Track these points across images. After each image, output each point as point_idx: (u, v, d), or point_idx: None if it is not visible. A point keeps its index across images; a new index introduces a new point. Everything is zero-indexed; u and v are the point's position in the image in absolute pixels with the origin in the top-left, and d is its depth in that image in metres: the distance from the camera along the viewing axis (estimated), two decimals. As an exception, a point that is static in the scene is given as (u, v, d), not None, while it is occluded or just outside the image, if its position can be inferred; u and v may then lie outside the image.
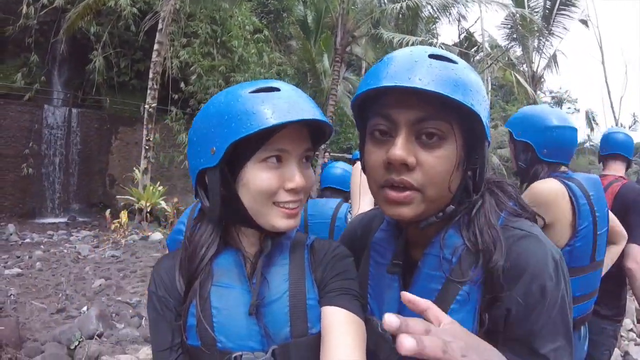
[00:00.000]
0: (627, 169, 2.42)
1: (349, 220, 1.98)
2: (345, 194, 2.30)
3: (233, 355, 0.73)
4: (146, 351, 3.30)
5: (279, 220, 0.76)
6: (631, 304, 4.87)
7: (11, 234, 9.54)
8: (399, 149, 0.66)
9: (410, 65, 0.66)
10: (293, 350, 0.75)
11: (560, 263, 0.70)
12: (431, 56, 0.68)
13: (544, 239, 0.71)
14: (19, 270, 5.86)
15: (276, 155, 0.74)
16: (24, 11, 11.72)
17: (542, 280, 0.66)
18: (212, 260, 0.79)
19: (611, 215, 1.76)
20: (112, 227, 8.94)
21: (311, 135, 0.80)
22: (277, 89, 0.74)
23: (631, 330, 4.54)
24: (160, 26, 10.23)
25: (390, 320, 0.44)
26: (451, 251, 0.71)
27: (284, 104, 0.72)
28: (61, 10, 12.16)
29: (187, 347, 0.76)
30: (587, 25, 18.13)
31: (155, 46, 10.25)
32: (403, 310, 0.72)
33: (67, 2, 12.13)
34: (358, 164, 2.18)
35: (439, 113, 0.66)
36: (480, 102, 0.67)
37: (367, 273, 0.85)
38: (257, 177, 0.74)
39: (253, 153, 0.73)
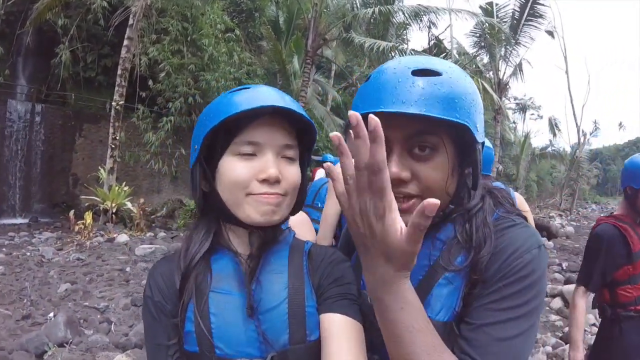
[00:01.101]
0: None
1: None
2: None
3: None
4: (121, 358, 3.23)
5: (253, 211, 0.76)
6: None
7: (-31, 237, 9.11)
8: (394, 166, 0.69)
9: (394, 87, 0.69)
10: (291, 356, 0.75)
11: (542, 249, 0.73)
12: (414, 72, 0.69)
13: (532, 229, 0.75)
14: (-19, 275, 5.61)
15: (250, 148, 0.76)
16: (-10, 1, 11.24)
17: (523, 255, 0.70)
18: (208, 262, 0.80)
19: None
20: (76, 228, 8.67)
21: (296, 134, 0.81)
22: (248, 88, 0.78)
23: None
24: (130, 21, 9.98)
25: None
26: (444, 237, 0.76)
27: (250, 96, 0.75)
28: (29, 0, 11.69)
29: (185, 353, 0.76)
30: (552, 36, 18.90)
31: (125, 42, 9.99)
32: None
33: (35, -8, 11.68)
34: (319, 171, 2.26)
35: (429, 127, 0.69)
36: (468, 110, 0.69)
37: None
38: (230, 169, 0.76)
39: (226, 146, 0.76)
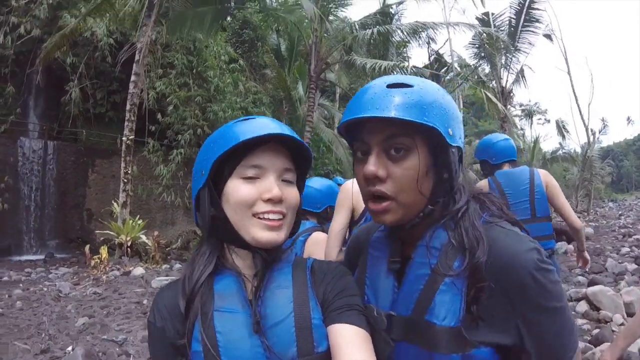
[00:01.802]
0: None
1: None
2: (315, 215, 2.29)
3: None
4: (140, 389, 3.21)
5: (259, 232, 0.80)
6: (619, 299, 5.00)
7: (-13, 273, 9.22)
8: (372, 165, 0.79)
9: (372, 97, 0.79)
10: None
11: (542, 252, 0.75)
12: (389, 86, 0.80)
13: (523, 237, 0.78)
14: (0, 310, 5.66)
15: (254, 171, 0.82)
16: (0, 41, 11.59)
17: (529, 268, 0.73)
18: (211, 283, 0.82)
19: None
20: (92, 263, 8.72)
21: (294, 159, 0.88)
22: (253, 118, 0.85)
23: (622, 324, 4.61)
24: (137, 57, 10.24)
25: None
26: (439, 244, 0.80)
27: (254, 125, 0.82)
28: (38, 40, 12.09)
29: None
30: (551, 40, 18.95)
31: (132, 77, 10.23)
32: (397, 298, 0.83)
33: (44, 32, 12.07)
34: (345, 185, 2.28)
35: (401, 131, 0.78)
36: (437, 115, 0.78)
37: (365, 267, 0.93)
38: (236, 190, 0.81)
39: (232, 170, 0.82)
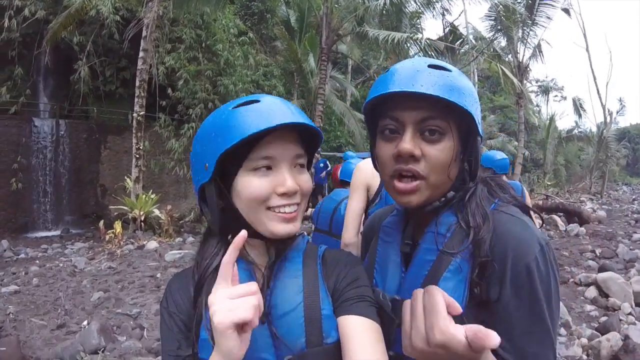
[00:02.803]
0: None
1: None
2: None
3: None
4: (152, 363, 3.30)
5: (275, 225, 0.78)
6: (629, 288, 4.97)
7: (5, 250, 9.44)
8: (407, 143, 0.78)
9: (413, 74, 0.78)
10: (309, 359, 0.76)
11: (547, 249, 0.76)
12: (430, 66, 0.80)
13: (531, 225, 0.79)
14: (16, 287, 5.80)
15: (265, 162, 0.77)
16: (5, 24, 11.59)
17: (527, 260, 0.74)
18: None
19: None
20: (107, 237, 8.89)
21: (303, 141, 0.83)
22: (257, 101, 0.78)
23: (630, 314, 4.64)
24: (144, 33, 10.15)
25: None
26: (446, 228, 0.82)
27: (263, 113, 0.75)
28: (44, 21, 12.03)
29: None
30: (569, 14, 18.30)
31: (141, 54, 10.16)
32: (403, 283, 0.85)
33: (49, 13, 12.01)
34: (360, 165, 2.27)
35: (439, 113, 0.78)
36: (472, 103, 0.79)
37: (375, 250, 0.95)
38: (248, 185, 0.77)
39: (241, 163, 0.77)
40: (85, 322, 4.44)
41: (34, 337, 4.13)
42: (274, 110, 0.76)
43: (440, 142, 0.79)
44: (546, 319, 0.73)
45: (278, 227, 0.78)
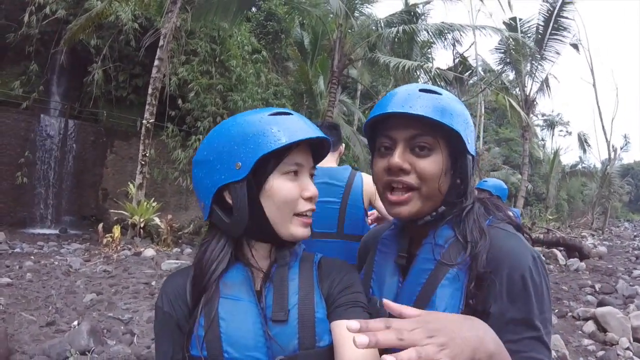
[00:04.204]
0: None
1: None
2: None
3: None
4: (139, 368, 3.24)
5: (297, 229, 0.84)
6: (627, 323, 4.91)
7: (1, 243, 9.44)
8: (397, 157, 0.86)
9: (405, 98, 0.86)
10: None
11: (540, 261, 0.80)
12: (421, 90, 0.88)
13: (524, 240, 0.84)
14: (9, 280, 5.76)
15: (294, 168, 0.83)
16: (26, 20, 11.83)
17: (522, 270, 0.77)
18: (220, 275, 0.82)
19: None
20: (104, 241, 8.85)
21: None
22: (290, 114, 0.85)
23: (627, 349, 4.59)
24: (161, 42, 10.33)
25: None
26: (444, 240, 0.86)
27: (298, 124, 0.82)
28: (63, 21, 12.31)
29: (191, 359, 0.78)
30: (577, 49, 18.54)
31: (156, 62, 10.32)
32: (400, 291, 0.89)
33: (69, 13, 12.29)
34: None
35: (427, 131, 0.85)
36: (461, 123, 0.85)
37: (372, 262, 0.99)
38: (282, 188, 0.82)
39: (275, 166, 0.81)
40: (75, 322, 4.39)
41: (22, 331, 4.09)
42: (305, 123, 0.84)
43: (429, 157, 0.85)
44: (539, 326, 0.76)
45: (299, 231, 0.84)
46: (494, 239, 0.82)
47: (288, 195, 0.82)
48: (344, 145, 2.25)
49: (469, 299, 0.79)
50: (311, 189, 0.85)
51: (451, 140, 0.86)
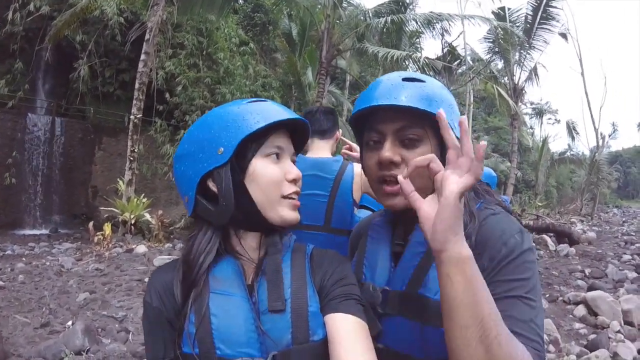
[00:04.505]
0: None
1: None
2: None
3: None
4: (136, 366, 3.24)
5: (287, 212, 0.82)
6: (618, 306, 5.02)
7: (-9, 246, 9.34)
8: (387, 151, 0.85)
9: (389, 89, 0.86)
10: (294, 356, 0.76)
11: (524, 232, 0.82)
12: (404, 79, 0.87)
13: (512, 219, 0.86)
14: (1, 283, 5.70)
15: (276, 151, 0.83)
16: (9, 17, 11.59)
17: (507, 238, 0.79)
18: (209, 268, 0.80)
19: None
20: (95, 239, 8.79)
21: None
22: (266, 101, 0.86)
23: (619, 332, 4.70)
24: (147, 36, 10.20)
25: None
26: None
27: (274, 108, 0.84)
28: (47, 17, 12.07)
29: (184, 356, 0.77)
30: (566, 39, 18.66)
31: (142, 56, 10.20)
32: (393, 278, 0.89)
33: (53, 9, 12.05)
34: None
35: (415, 122, 0.85)
36: (445, 109, 0.81)
37: (364, 248, 0.99)
38: (265, 170, 0.81)
39: (257, 149, 0.81)
40: (69, 322, 4.37)
41: (16, 334, 4.06)
42: (282, 108, 0.85)
43: (418, 148, 0.85)
44: (529, 284, 0.76)
45: (289, 213, 0.82)
46: (483, 221, 0.83)
47: (272, 177, 0.81)
48: (340, 131, 2.20)
49: None
50: (294, 171, 0.84)
51: (439, 128, 0.86)
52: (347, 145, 2.07)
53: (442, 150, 0.86)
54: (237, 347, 0.75)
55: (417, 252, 0.86)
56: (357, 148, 1.94)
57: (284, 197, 0.82)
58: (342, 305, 0.79)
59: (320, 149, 2.08)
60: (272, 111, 0.82)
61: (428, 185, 0.83)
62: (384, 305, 0.86)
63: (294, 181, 0.84)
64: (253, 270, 0.82)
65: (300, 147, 0.92)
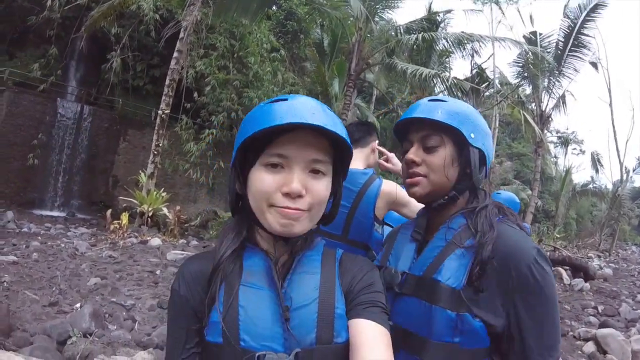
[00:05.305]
0: None
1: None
2: None
3: (257, 355, 0.74)
4: (142, 355, 3.26)
5: (274, 223, 0.78)
6: (628, 346, 4.85)
7: (9, 221, 9.57)
8: (411, 154, 1.07)
9: (416, 106, 1.08)
10: (317, 356, 0.76)
11: (542, 253, 0.93)
12: (430, 100, 1.08)
13: (529, 237, 0.98)
14: (15, 258, 5.84)
15: (277, 159, 0.77)
16: (48, 4, 11.97)
17: (527, 261, 0.90)
18: (241, 258, 0.83)
19: None
20: (112, 227, 8.94)
21: (334, 150, 0.83)
22: (286, 99, 0.79)
23: None
24: (181, 35, 10.42)
25: None
26: (457, 226, 1.02)
27: (283, 110, 0.76)
28: (85, 7, 12.45)
29: (207, 344, 0.78)
30: (596, 68, 18.32)
31: (175, 54, 10.42)
32: (414, 265, 1.03)
33: (91, 0, 12.39)
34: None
35: (433, 131, 1.05)
36: (462, 122, 1.02)
37: (394, 241, 1.17)
38: (257, 179, 0.79)
39: (257, 157, 0.79)
40: (78, 305, 4.44)
41: (24, 309, 4.15)
42: (298, 107, 0.76)
43: (436, 152, 1.04)
44: (554, 317, 0.91)
45: (275, 225, 0.78)
46: (501, 232, 0.95)
47: (261, 187, 0.78)
48: (377, 142, 2.12)
49: (473, 280, 0.91)
50: (292, 185, 0.76)
51: (455, 136, 1.03)
52: (385, 157, 2.07)
53: (458, 155, 1.04)
54: (262, 340, 0.76)
55: (438, 246, 1.01)
56: (393, 158, 2.01)
57: (272, 206, 0.78)
58: (367, 312, 0.79)
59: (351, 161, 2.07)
60: (270, 115, 0.76)
61: (443, 181, 1.04)
62: (401, 286, 1.01)
63: (287, 195, 0.77)
64: (284, 268, 0.83)
65: (345, 155, 0.86)
